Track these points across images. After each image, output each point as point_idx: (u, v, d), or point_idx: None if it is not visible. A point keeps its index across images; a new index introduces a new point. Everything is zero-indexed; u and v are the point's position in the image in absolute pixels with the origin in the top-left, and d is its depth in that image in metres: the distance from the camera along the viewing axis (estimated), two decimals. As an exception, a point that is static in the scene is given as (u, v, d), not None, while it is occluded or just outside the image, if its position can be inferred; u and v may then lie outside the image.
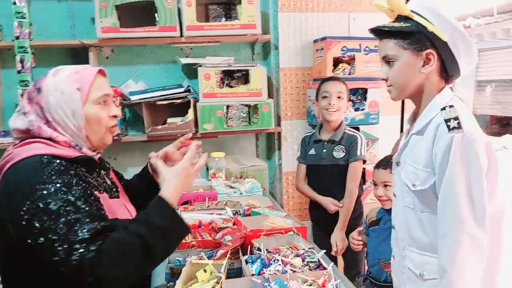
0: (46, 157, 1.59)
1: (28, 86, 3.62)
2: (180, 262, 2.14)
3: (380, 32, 1.97)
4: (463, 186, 1.73)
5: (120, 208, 1.84)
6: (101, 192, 1.75)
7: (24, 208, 1.46)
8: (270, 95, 4.16)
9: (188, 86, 4.05)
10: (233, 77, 4.08)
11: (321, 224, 3.45)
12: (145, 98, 3.87)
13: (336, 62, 3.96)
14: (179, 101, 3.90)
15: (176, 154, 2.21)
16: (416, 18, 1.86)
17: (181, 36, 3.88)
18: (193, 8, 3.85)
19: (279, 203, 3.91)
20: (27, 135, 1.70)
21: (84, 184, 1.62)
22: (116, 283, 1.47)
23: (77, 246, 1.42)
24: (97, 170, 1.87)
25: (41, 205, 1.46)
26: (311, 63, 4.21)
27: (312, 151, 3.47)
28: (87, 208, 1.52)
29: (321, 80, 3.47)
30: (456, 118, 1.78)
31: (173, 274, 2.11)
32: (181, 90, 3.97)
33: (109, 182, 1.92)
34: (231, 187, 3.25)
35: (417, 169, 1.89)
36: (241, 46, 4.36)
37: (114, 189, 1.93)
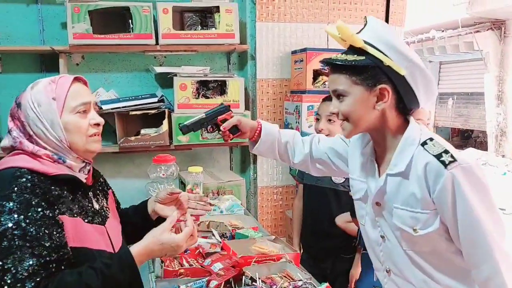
0: (21, 170, 1.56)
1: (-5, 92, 3.50)
2: (168, 292, 2.03)
3: (331, 65, 1.81)
4: (482, 213, 1.63)
5: (97, 236, 1.71)
6: (74, 216, 1.63)
7: None
8: (246, 107, 4.06)
9: (162, 96, 3.92)
10: (208, 87, 3.97)
11: (312, 250, 3.31)
12: (117, 108, 3.72)
13: (316, 74, 3.88)
14: (153, 111, 3.75)
15: (168, 199, 2.08)
16: (370, 50, 1.70)
17: (157, 44, 3.77)
18: (170, 15, 3.74)
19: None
20: (13, 151, 1.69)
21: (46, 206, 1.53)
22: None
23: (13, 277, 1.38)
24: (83, 190, 1.76)
25: None
26: (289, 75, 4.13)
27: None
28: (36, 236, 1.45)
29: (322, 99, 3.24)
30: (446, 152, 1.66)
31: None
32: (155, 100, 3.84)
33: (96, 206, 1.80)
34: (210, 204, 3.13)
35: (415, 212, 1.74)
36: (216, 56, 4.25)
37: (101, 214, 1.81)
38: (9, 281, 1.37)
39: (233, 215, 3.05)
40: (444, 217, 1.68)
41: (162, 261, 2.23)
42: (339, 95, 1.78)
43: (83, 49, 3.75)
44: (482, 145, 13.99)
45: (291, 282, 2.10)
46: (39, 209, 1.50)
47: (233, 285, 2.08)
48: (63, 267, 1.49)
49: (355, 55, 1.72)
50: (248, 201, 4.27)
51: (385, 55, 1.69)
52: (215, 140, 3.90)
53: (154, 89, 4.10)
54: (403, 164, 1.74)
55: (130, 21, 3.74)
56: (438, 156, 1.65)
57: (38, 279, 1.39)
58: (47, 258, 1.44)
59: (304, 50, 3.86)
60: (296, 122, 3.86)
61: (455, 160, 1.62)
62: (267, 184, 4.18)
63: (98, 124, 1.76)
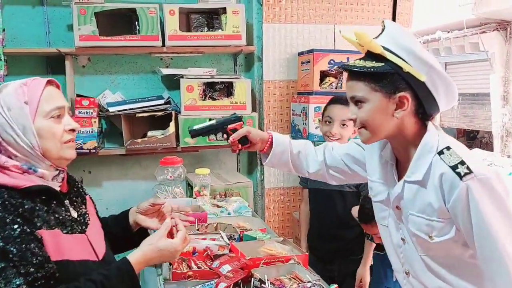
0: None
1: (1, 95, 3.44)
2: (177, 295, 2.02)
3: (349, 71, 1.78)
4: (498, 227, 1.60)
5: (78, 246, 1.65)
6: (52, 228, 1.55)
7: None
8: (253, 109, 4.05)
9: (169, 97, 3.93)
10: (215, 89, 3.96)
11: (319, 253, 3.29)
12: (124, 110, 3.72)
13: (323, 75, 3.87)
14: (160, 113, 3.75)
15: (150, 210, 2.05)
16: (389, 57, 1.67)
17: (163, 45, 3.77)
18: (176, 17, 3.74)
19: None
20: None
21: (22, 222, 1.46)
22: None
23: None
24: (58, 200, 1.67)
25: None
26: (296, 76, 4.12)
27: None
28: (19, 254, 1.40)
29: (330, 100, 3.19)
30: (462, 163, 1.63)
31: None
32: (162, 101, 3.85)
33: (74, 214, 1.72)
34: (218, 206, 3.13)
35: (431, 220, 1.73)
36: (222, 57, 4.25)
37: (80, 222, 1.74)
38: None
39: (241, 217, 3.03)
40: (459, 227, 1.66)
41: (170, 264, 2.22)
42: (357, 101, 1.75)
43: (89, 51, 3.75)
44: (487, 145, 13.90)
45: (300, 284, 2.08)
46: (15, 226, 1.44)
47: (241, 287, 2.07)
48: (51, 282, 1.45)
49: (374, 62, 1.69)
50: (255, 203, 4.26)
51: (404, 61, 1.66)
52: (222, 142, 3.84)
53: (161, 91, 4.11)
54: (421, 173, 1.72)
55: (136, 22, 3.74)
56: (453, 168, 1.63)
57: None
58: (34, 275, 1.40)
59: (311, 51, 3.84)
60: (303, 124, 3.85)
61: (470, 172, 1.59)
62: (274, 186, 4.17)
63: (73, 130, 1.69)
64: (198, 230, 2.64)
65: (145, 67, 4.08)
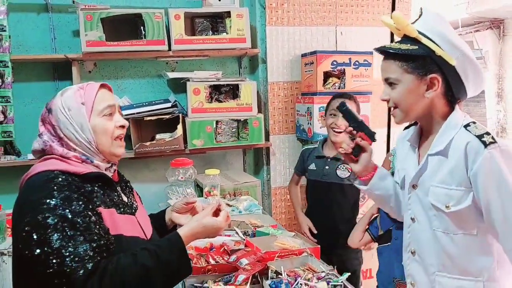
0: (54, 172, 1.65)
1: (9, 102, 3.53)
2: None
3: (385, 52, 1.91)
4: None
5: (130, 225, 1.82)
6: (108, 207, 1.74)
7: (26, 220, 1.52)
8: (259, 110, 4.11)
9: (175, 101, 3.97)
10: (221, 91, 4.01)
11: (315, 237, 3.37)
12: (132, 114, 3.76)
13: (326, 76, 3.93)
14: (167, 116, 3.81)
15: (184, 209, 2.19)
16: (424, 40, 1.80)
17: (169, 50, 3.82)
18: (181, 21, 3.79)
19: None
20: (44, 153, 1.79)
21: (85, 200, 1.63)
22: None
23: (73, 261, 1.47)
24: (111, 185, 1.86)
25: (40, 218, 1.51)
26: (300, 77, 4.18)
27: (312, 166, 3.41)
28: (84, 225, 1.55)
29: (333, 95, 3.37)
30: (488, 133, 1.76)
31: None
32: (169, 105, 3.88)
33: (125, 198, 1.91)
34: (229, 205, 3.20)
35: (449, 189, 1.83)
36: (227, 60, 4.30)
37: (130, 205, 1.92)
38: (71, 265, 1.46)
39: (252, 214, 3.10)
40: (478, 195, 1.76)
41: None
42: (391, 83, 1.88)
43: (96, 57, 3.78)
44: (483, 143, 14.00)
45: (314, 274, 2.15)
46: (80, 202, 1.59)
47: (259, 279, 2.14)
48: (111, 250, 1.60)
49: (408, 44, 1.82)
50: (263, 202, 4.30)
51: (437, 45, 1.78)
52: (229, 143, 3.94)
53: (167, 94, 4.15)
54: (443, 144, 1.84)
55: (142, 27, 3.78)
56: (480, 137, 1.75)
57: (96, 260, 1.50)
58: (99, 242, 1.55)
59: (314, 52, 3.91)
60: (308, 124, 3.92)
61: (495, 141, 1.72)
62: (280, 185, 4.23)
63: (123, 126, 1.87)
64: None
65: (151, 71, 4.12)
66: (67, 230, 1.51)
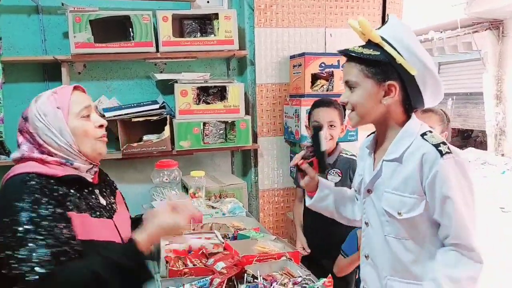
0: (30, 175, 1.67)
1: (0, 102, 3.54)
2: (174, 291, 2.08)
3: (347, 56, 1.93)
4: (464, 205, 1.78)
5: (105, 229, 1.83)
6: (81, 211, 1.74)
7: None
8: (246, 112, 4.11)
9: (163, 102, 3.98)
10: (208, 93, 4.02)
11: (313, 248, 3.36)
12: (120, 115, 3.78)
13: (314, 78, 3.94)
14: (155, 118, 3.82)
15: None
16: (386, 47, 1.82)
17: (157, 51, 3.83)
18: (169, 23, 3.80)
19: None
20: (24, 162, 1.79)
21: (56, 203, 1.64)
22: None
23: (27, 265, 1.47)
24: (89, 188, 1.88)
25: (8, 221, 1.53)
26: (288, 79, 4.19)
27: None
28: (48, 229, 1.56)
29: (313, 104, 3.30)
30: (444, 143, 1.81)
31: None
32: (157, 106, 3.90)
33: (103, 201, 1.92)
34: (213, 207, 3.19)
35: (403, 196, 1.88)
36: (216, 62, 4.31)
37: (108, 209, 1.92)
38: (25, 269, 1.47)
39: (235, 217, 3.09)
40: (433, 203, 1.82)
41: (166, 261, 2.28)
42: (351, 86, 1.90)
43: (85, 58, 3.78)
44: (482, 144, 14.01)
45: (291, 279, 2.15)
46: (49, 206, 1.61)
47: (235, 283, 2.14)
48: (74, 257, 1.60)
49: (371, 50, 1.84)
50: (250, 204, 4.32)
51: (399, 53, 1.80)
52: (216, 145, 3.95)
53: (155, 95, 4.16)
54: (399, 152, 1.87)
55: (130, 29, 3.79)
56: (436, 146, 1.79)
57: (49, 267, 1.49)
58: (59, 248, 1.55)
59: (302, 54, 3.92)
60: (296, 126, 3.92)
61: (450, 151, 1.77)
62: (268, 187, 4.24)
63: (102, 126, 1.88)
64: (193, 230, 2.70)
65: (140, 72, 4.13)
66: (30, 233, 1.52)
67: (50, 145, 1.76)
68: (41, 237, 1.53)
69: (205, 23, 4.05)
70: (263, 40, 4.15)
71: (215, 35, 3.94)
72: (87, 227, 1.73)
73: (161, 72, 4.12)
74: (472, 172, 1.86)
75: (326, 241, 3.20)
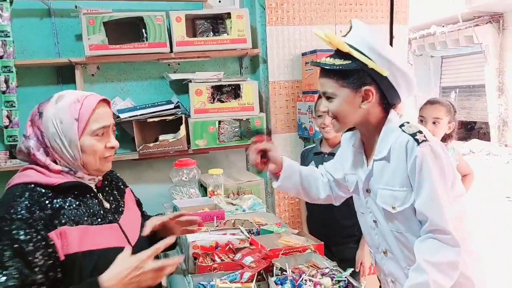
0: (24, 188, 1.64)
1: (14, 106, 3.55)
2: (204, 286, 2.11)
3: (321, 68, 1.97)
4: (438, 188, 1.83)
5: (107, 235, 1.78)
6: (77, 223, 1.69)
7: None
8: (261, 109, 4.14)
9: (178, 102, 4.01)
10: (222, 91, 4.04)
11: (319, 239, 3.40)
12: (135, 116, 3.80)
13: (326, 74, 3.94)
14: (170, 117, 3.85)
15: (171, 222, 2.15)
16: (355, 55, 1.86)
17: (171, 51, 3.85)
18: (183, 23, 3.82)
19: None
20: (28, 158, 1.77)
21: (43, 223, 1.60)
22: None
23: None
24: (91, 194, 1.83)
25: None
26: (300, 76, 4.22)
27: (312, 163, 3.44)
28: (26, 256, 1.52)
29: (317, 98, 3.40)
30: (420, 132, 1.87)
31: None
32: (171, 106, 3.93)
33: (107, 205, 1.89)
34: (233, 204, 3.22)
35: (393, 190, 1.94)
36: (228, 61, 4.33)
37: (113, 212, 1.90)
38: None
39: (256, 213, 3.12)
40: (414, 190, 1.88)
41: (195, 258, 2.32)
42: (328, 97, 1.96)
43: (99, 60, 3.80)
44: (485, 136, 14.07)
45: (318, 270, 2.19)
46: (32, 230, 1.56)
47: (264, 276, 2.17)
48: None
49: (342, 59, 1.88)
50: (266, 201, 4.31)
51: (369, 58, 1.85)
52: (232, 143, 3.97)
53: (169, 95, 4.18)
54: (386, 149, 1.94)
55: (144, 30, 3.81)
56: (413, 135, 1.85)
57: None
58: (30, 279, 1.52)
59: (314, 51, 3.94)
60: (310, 122, 3.96)
61: (426, 139, 1.83)
62: (283, 184, 4.25)
63: (113, 147, 1.83)
64: (217, 226, 2.73)
65: (154, 73, 4.15)
66: (5, 258, 1.49)
67: (55, 150, 1.73)
68: (16, 265, 1.50)
69: (217, 23, 4.07)
70: (275, 38, 4.18)
71: (227, 34, 3.96)
72: (85, 237, 1.68)
73: (174, 72, 4.14)
74: (448, 159, 1.91)
75: (330, 230, 3.26)
